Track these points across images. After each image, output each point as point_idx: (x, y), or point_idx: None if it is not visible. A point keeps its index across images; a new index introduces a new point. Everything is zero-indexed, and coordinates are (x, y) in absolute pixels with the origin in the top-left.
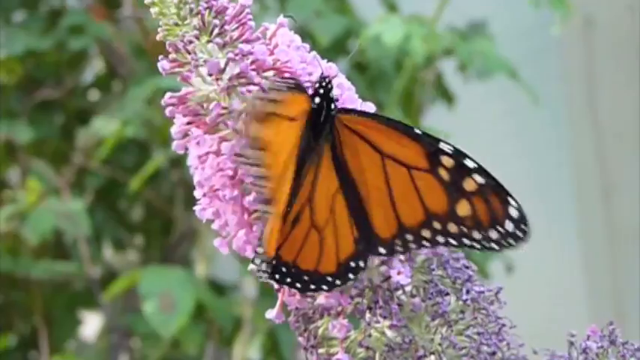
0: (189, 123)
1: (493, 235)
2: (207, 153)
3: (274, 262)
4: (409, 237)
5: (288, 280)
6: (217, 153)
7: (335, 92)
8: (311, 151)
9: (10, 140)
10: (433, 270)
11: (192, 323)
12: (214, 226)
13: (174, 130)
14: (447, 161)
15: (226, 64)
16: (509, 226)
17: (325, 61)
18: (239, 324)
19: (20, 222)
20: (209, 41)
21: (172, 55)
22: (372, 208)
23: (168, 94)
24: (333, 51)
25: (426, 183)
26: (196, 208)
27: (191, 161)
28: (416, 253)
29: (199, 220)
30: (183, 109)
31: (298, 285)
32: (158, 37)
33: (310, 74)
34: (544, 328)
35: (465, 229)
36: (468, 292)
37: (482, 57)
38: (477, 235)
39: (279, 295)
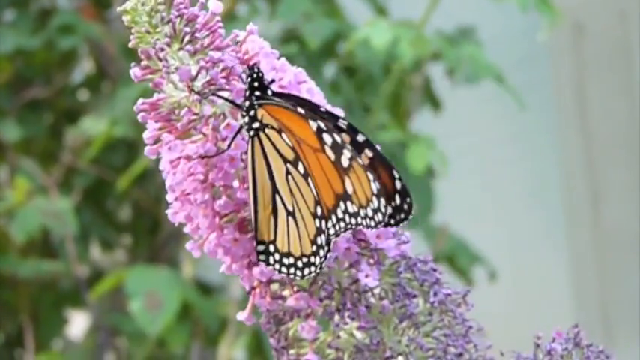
0: (160, 129)
1: (368, 212)
2: (179, 158)
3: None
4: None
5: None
6: (188, 158)
7: (305, 96)
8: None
9: None
10: (401, 273)
11: (178, 322)
12: (186, 229)
13: (146, 135)
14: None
15: (198, 71)
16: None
17: (295, 67)
18: (225, 324)
19: (7, 220)
20: (180, 49)
21: (144, 62)
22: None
23: (140, 100)
24: (322, 54)
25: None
26: (169, 212)
27: (163, 166)
28: (384, 256)
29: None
30: (155, 115)
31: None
32: (130, 45)
33: (281, 79)
34: (530, 333)
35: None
36: (435, 294)
37: (470, 62)
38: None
39: (250, 297)
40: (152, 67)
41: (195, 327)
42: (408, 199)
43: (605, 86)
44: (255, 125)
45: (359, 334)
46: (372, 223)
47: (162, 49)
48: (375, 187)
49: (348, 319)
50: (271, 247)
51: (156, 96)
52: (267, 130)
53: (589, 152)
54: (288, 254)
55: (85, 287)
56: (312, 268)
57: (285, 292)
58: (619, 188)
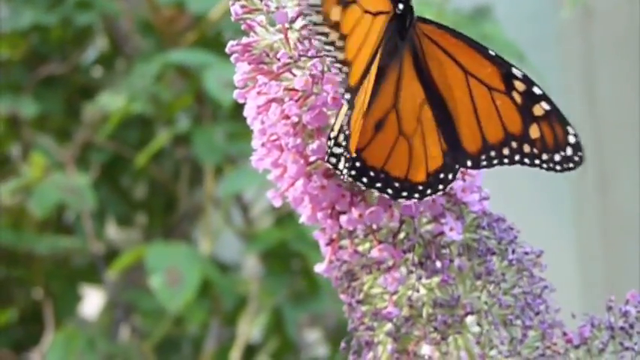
0: (252, 71)
1: (557, 157)
2: (271, 100)
3: (358, 164)
4: (492, 153)
5: (378, 185)
6: (280, 101)
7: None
8: (393, 56)
9: (14, 115)
10: (483, 229)
11: (197, 300)
12: (270, 176)
13: (236, 77)
14: (520, 85)
15: (298, 14)
16: (569, 151)
17: None
18: (243, 303)
19: (24, 196)
20: None
21: (242, 2)
22: (459, 122)
23: (232, 42)
24: None
25: (504, 104)
26: (252, 158)
27: (248, 112)
28: (466, 211)
29: (203, 198)
30: (248, 56)
31: (389, 191)
32: None
33: None
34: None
35: (536, 151)
36: (513, 252)
37: (490, 40)
38: (545, 156)
39: (328, 249)
40: (249, 7)
41: (214, 305)
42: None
43: (614, 70)
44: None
45: (438, 290)
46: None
47: None
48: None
49: (430, 273)
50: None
51: (247, 38)
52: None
53: (597, 136)
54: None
55: (101, 264)
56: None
57: (364, 247)
58: (627, 173)
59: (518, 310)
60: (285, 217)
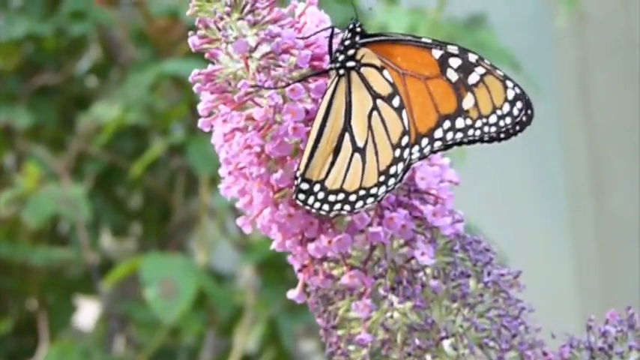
0: (215, 100)
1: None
2: (235, 130)
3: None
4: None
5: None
6: (244, 130)
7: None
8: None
9: (8, 125)
10: (456, 252)
11: (192, 311)
12: (238, 204)
13: (200, 107)
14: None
15: (258, 43)
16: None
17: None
18: (239, 313)
19: (19, 207)
20: (240, 18)
21: (201, 32)
22: None
23: (195, 71)
24: None
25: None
26: (221, 186)
27: (215, 139)
28: (438, 234)
29: (198, 208)
30: (211, 85)
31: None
32: (188, 13)
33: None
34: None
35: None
36: (489, 274)
37: (485, 48)
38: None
39: (301, 275)
40: (210, 37)
41: (210, 316)
42: (520, 105)
43: (608, 75)
44: (350, 64)
45: (412, 314)
46: (493, 129)
47: (221, 18)
48: (511, 93)
49: (402, 298)
50: (316, 187)
51: (211, 67)
52: (362, 69)
53: (592, 141)
54: (339, 191)
55: (96, 275)
56: (370, 200)
57: (338, 271)
58: (622, 177)
59: (494, 332)
60: None
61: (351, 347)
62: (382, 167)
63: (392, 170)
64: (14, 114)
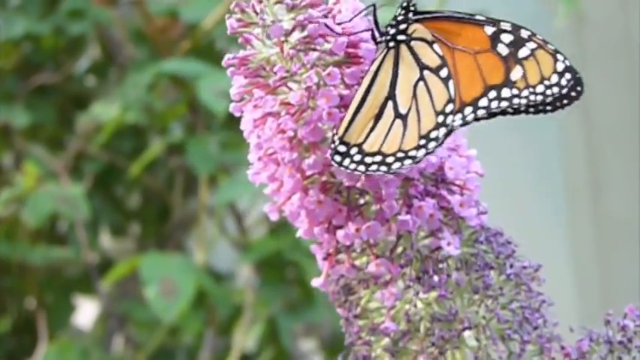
0: (248, 85)
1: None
2: (267, 114)
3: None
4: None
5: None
6: (277, 115)
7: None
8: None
9: (7, 124)
10: (480, 243)
11: (192, 310)
12: (266, 190)
13: (232, 91)
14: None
15: (294, 28)
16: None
17: None
18: (238, 312)
19: (17, 206)
20: (278, 2)
21: (237, 16)
22: None
23: (228, 55)
24: None
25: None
26: (249, 172)
27: (245, 125)
28: (463, 225)
29: (197, 208)
30: (244, 70)
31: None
32: None
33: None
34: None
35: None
36: (511, 266)
37: None
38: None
39: (325, 263)
40: (246, 21)
41: (209, 315)
42: (569, 77)
43: (606, 75)
44: (401, 37)
45: (435, 305)
46: (539, 98)
47: (260, 1)
48: (560, 65)
49: (427, 288)
50: (353, 150)
51: (243, 51)
52: (412, 42)
53: (590, 141)
54: (376, 153)
55: (95, 274)
56: (408, 162)
57: (361, 261)
58: (620, 176)
59: (516, 324)
60: (279, 226)
61: (372, 338)
62: (424, 132)
63: (433, 135)
64: (13, 113)
